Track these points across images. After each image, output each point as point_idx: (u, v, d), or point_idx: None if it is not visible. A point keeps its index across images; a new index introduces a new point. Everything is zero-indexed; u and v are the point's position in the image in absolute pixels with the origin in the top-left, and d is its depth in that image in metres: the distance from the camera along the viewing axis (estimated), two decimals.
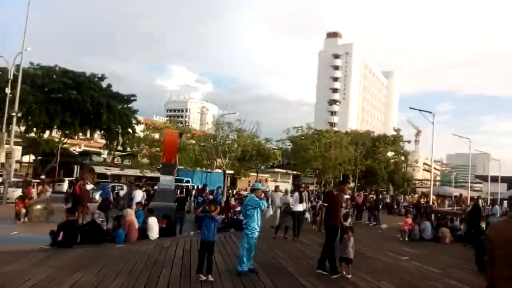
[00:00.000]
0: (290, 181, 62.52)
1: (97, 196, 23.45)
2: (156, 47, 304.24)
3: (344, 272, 8.29)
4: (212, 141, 29.40)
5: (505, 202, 25.92)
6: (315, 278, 8.11)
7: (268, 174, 61.30)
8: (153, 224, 12.97)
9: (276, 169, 55.46)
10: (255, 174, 43.97)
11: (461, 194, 41.68)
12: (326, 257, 8.48)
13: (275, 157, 37.97)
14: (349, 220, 11.54)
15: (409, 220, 16.20)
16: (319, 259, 8.57)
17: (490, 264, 3.25)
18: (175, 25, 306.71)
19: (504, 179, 51.13)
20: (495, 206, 17.29)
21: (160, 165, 23.23)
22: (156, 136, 35.55)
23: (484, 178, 59.08)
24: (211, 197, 21.47)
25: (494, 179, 50.31)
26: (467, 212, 18.44)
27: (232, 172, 39.13)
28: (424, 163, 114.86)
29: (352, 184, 54.63)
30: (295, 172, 55.80)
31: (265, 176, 62.18)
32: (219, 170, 33.68)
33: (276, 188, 17.16)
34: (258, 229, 8.17)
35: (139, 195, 17.81)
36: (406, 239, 15.38)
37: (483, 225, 15.93)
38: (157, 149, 32.56)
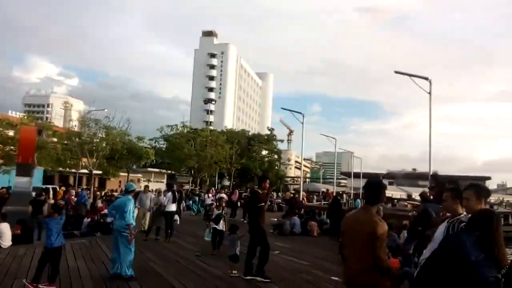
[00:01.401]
0: (165, 180, 60.97)
1: None
2: (12, 34, 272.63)
3: (230, 271, 8.19)
4: (76, 139, 26.96)
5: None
6: (186, 278, 7.83)
7: (140, 174, 58.83)
8: (5, 230, 11.36)
9: (150, 169, 53.50)
10: (126, 174, 41.72)
11: (327, 190, 44.90)
12: (251, 260, 8.03)
13: (147, 156, 36.50)
14: (222, 222, 11.07)
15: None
16: (245, 264, 8.01)
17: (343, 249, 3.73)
18: (36, 12, 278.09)
19: (366, 175, 56.58)
20: (357, 200, 18.78)
21: (16, 166, 20.57)
22: (11, 133, 31.39)
23: (348, 175, 64.60)
24: (75, 199, 19.54)
25: (357, 175, 55.35)
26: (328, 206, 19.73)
27: (99, 172, 36.62)
28: (296, 161, 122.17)
29: (227, 183, 55.42)
30: (169, 171, 54.55)
31: (138, 176, 59.48)
32: (85, 170, 31.11)
33: (146, 189, 16.06)
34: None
35: None
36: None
37: None
38: (12, 147, 28.75)
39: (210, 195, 25.67)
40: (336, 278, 8.25)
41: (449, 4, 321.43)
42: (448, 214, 3.93)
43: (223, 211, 12.04)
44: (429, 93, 18.16)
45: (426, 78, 18.38)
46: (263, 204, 8.27)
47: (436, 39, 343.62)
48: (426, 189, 10.59)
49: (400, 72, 19.05)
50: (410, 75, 18.52)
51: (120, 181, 42.25)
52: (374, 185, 3.85)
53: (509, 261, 3.07)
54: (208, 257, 10.14)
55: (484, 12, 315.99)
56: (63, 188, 26.66)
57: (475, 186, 3.89)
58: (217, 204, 13.30)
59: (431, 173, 15.66)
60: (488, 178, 49.58)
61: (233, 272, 8.12)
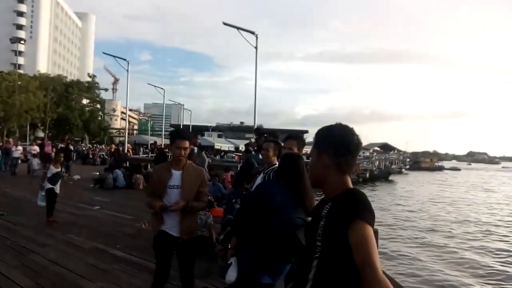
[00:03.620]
0: None
1: None
2: None
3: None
4: None
5: (195, 148, 29.10)
6: None
7: None
8: None
9: None
10: None
11: (155, 142, 44.42)
12: None
13: None
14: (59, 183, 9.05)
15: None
16: None
17: None
18: None
19: (195, 128, 57.65)
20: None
21: None
22: None
23: (177, 127, 64.74)
24: None
25: (186, 127, 56.09)
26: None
27: None
28: (122, 112, 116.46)
29: (42, 134, 50.00)
30: None
31: None
32: None
33: None
34: None
35: None
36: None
37: None
38: None
39: (18, 147, 22.67)
40: None
41: None
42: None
43: (62, 169, 9.64)
44: (256, 47, 19.04)
45: (252, 32, 19.14)
46: None
47: None
48: (252, 140, 11.31)
49: (229, 24, 19.39)
50: (238, 28, 19.05)
51: None
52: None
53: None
54: (16, 216, 9.07)
55: None
56: None
57: (297, 136, 4.29)
58: (54, 160, 9.54)
59: (255, 127, 16.75)
60: (306, 131, 55.70)
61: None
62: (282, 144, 4.26)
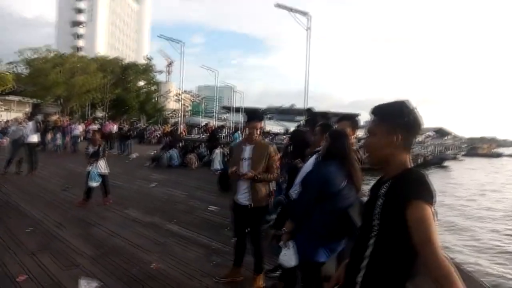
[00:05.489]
0: (29, 110, 55.12)
1: None
2: None
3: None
4: None
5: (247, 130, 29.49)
6: (52, 211, 7.49)
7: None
8: None
9: (10, 97, 47.59)
10: None
11: (208, 123, 45.30)
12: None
13: (5, 83, 32.31)
14: (103, 162, 8.47)
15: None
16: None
17: None
18: None
19: (246, 110, 57.96)
20: (236, 133, 19.32)
21: None
22: None
23: (229, 109, 65.58)
24: None
25: (238, 110, 56.60)
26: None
27: None
28: (176, 94, 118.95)
29: (101, 114, 52.30)
30: (34, 100, 49.22)
31: None
32: None
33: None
34: None
35: None
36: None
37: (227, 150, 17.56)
38: None
39: (79, 125, 23.88)
40: (213, 208, 8.54)
41: None
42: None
43: (100, 148, 8.52)
44: (308, 29, 18.77)
45: (305, 13, 18.89)
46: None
47: None
48: (302, 123, 11.26)
49: (281, 6, 19.24)
50: (290, 10, 18.85)
51: None
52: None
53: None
54: (79, 189, 9.63)
55: None
56: None
57: (350, 118, 4.22)
58: (92, 140, 8.91)
59: (306, 108, 16.61)
60: (358, 114, 54.37)
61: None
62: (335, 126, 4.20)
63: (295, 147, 4.95)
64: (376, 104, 1.92)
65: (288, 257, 3.19)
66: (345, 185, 3.21)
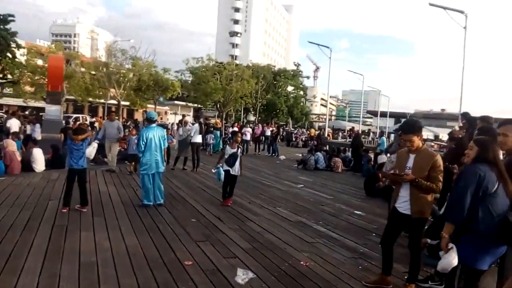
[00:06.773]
0: (191, 113, 61.62)
1: None
2: None
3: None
4: (104, 69, 27.04)
5: (392, 135, 28.33)
6: (211, 205, 8.21)
7: (167, 107, 59.41)
8: (38, 155, 11.65)
9: (176, 102, 53.82)
10: (153, 106, 42.27)
11: (353, 128, 44.72)
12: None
13: (174, 89, 36.58)
14: (237, 164, 8.25)
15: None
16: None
17: None
18: None
19: (392, 115, 55.73)
20: (382, 138, 18.68)
21: (46, 94, 21.09)
22: (40, 62, 31.68)
23: (374, 113, 63.69)
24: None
25: (383, 114, 54.61)
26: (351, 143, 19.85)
27: (127, 103, 37.15)
28: (322, 98, 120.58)
29: (253, 118, 55.52)
30: (196, 105, 54.78)
31: (165, 109, 60.20)
32: (114, 101, 31.55)
33: (111, 116, 13.76)
34: (155, 167, 7.84)
35: (15, 124, 15.80)
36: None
37: (372, 155, 17.13)
38: (42, 76, 29.15)
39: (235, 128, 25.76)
40: (359, 212, 8.42)
41: None
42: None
43: (239, 150, 8.40)
44: (464, 27, 17.27)
45: (462, 12, 17.40)
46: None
47: None
48: (456, 128, 10.37)
49: (435, 5, 18.00)
50: (445, 8, 17.54)
51: (144, 111, 42.91)
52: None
53: None
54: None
55: None
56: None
57: None
58: (231, 140, 8.77)
59: (461, 112, 15.27)
60: None
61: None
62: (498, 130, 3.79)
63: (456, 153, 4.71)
64: None
65: (448, 260, 3.18)
66: (499, 186, 3.17)
